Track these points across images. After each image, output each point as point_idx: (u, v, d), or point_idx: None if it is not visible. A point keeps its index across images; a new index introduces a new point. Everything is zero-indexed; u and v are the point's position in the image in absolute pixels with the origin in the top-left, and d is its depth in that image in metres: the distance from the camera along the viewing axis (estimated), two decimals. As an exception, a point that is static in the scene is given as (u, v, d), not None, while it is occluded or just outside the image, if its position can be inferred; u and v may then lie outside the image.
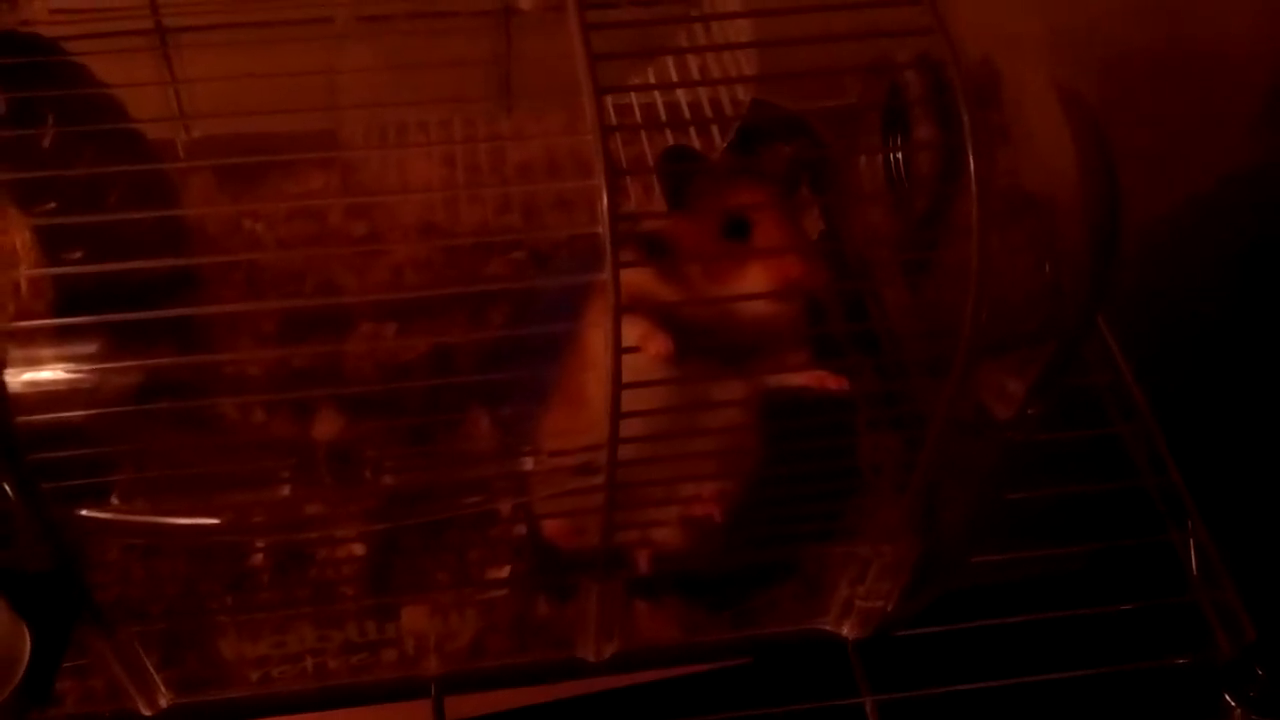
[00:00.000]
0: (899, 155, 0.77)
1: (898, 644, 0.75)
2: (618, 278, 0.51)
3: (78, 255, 0.70)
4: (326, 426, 0.75)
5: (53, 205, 0.72)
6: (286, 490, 0.61)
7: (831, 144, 0.88)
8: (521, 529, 0.70)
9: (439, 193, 0.86)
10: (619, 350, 0.51)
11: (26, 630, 0.51)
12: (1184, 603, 0.81)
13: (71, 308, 0.66)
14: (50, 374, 0.56)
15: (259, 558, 0.67)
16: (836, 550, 0.68)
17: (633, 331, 0.56)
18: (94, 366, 0.61)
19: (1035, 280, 0.59)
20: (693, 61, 0.80)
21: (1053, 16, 0.65)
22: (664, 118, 0.80)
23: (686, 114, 0.82)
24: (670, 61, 0.79)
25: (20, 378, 0.52)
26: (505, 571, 0.68)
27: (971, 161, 0.55)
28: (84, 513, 0.54)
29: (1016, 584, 0.80)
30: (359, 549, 0.68)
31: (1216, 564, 0.81)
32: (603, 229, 0.50)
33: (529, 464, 0.59)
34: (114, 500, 0.58)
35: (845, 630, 0.70)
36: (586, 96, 0.50)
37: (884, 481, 0.74)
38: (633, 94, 0.74)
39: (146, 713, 0.63)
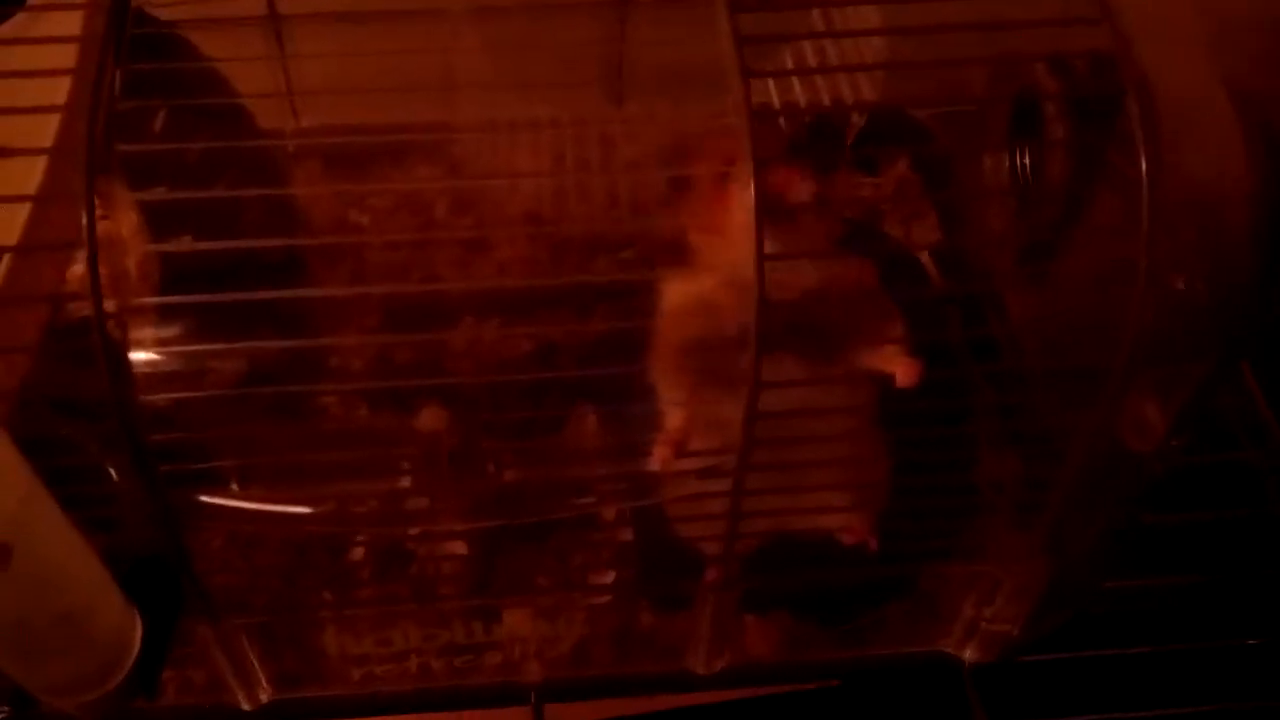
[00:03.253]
0: (1025, 158, 0.74)
1: (1014, 670, 0.72)
2: (763, 271, 0.48)
3: (185, 240, 0.70)
4: (430, 421, 0.74)
5: (163, 189, 0.72)
6: (407, 481, 0.59)
7: (952, 148, 0.85)
8: (627, 534, 0.68)
9: (543, 181, 0.84)
10: (758, 365, 0.49)
11: (138, 617, 0.50)
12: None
13: (178, 288, 0.66)
14: (162, 356, 0.55)
15: (360, 552, 0.65)
16: (962, 570, 0.64)
17: None
18: (201, 348, 0.60)
19: (1195, 297, 0.55)
20: (810, 50, 0.78)
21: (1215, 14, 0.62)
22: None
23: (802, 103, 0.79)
24: (787, 54, 0.78)
25: (138, 357, 0.51)
26: (610, 577, 0.66)
27: (1144, 162, 0.52)
28: (203, 498, 0.53)
29: (1141, 611, 0.76)
30: (460, 547, 0.66)
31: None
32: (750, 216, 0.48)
33: (654, 464, 0.57)
34: (233, 487, 0.57)
35: (967, 653, 0.67)
36: (735, 78, 0.48)
37: (1005, 500, 0.71)
38: (770, 80, 0.72)
39: (246, 707, 0.61)
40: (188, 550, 0.52)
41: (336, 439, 0.67)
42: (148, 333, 0.63)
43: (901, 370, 0.60)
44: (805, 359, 0.59)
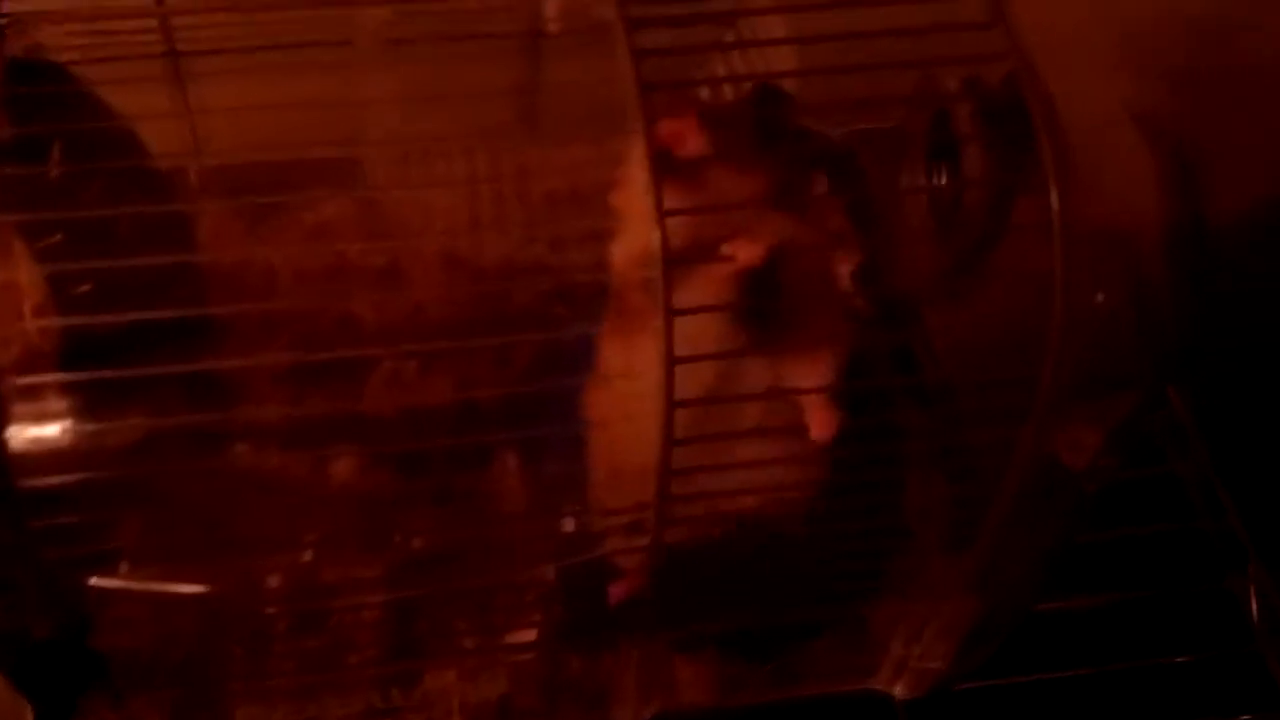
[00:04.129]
0: (943, 178, 0.74)
1: (948, 699, 0.71)
2: (671, 322, 0.47)
3: (86, 288, 0.68)
4: (345, 470, 0.72)
5: (60, 238, 0.69)
6: (309, 555, 0.58)
7: (872, 171, 0.84)
8: (549, 578, 0.66)
9: (459, 216, 0.82)
10: (671, 403, 0.48)
11: (29, 708, 0.48)
12: (1247, 652, 0.77)
13: (79, 344, 0.64)
14: (53, 429, 0.53)
15: (275, 620, 0.63)
16: (891, 608, 0.64)
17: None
18: (94, 427, 0.58)
19: (1116, 325, 0.55)
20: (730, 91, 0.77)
21: (1118, 28, 0.62)
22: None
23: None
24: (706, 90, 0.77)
25: (23, 434, 0.49)
26: (533, 633, 0.64)
27: (1054, 199, 0.51)
28: (93, 581, 0.51)
29: (1073, 632, 0.76)
30: (374, 612, 0.64)
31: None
32: (656, 268, 0.47)
33: (569, 525, 0.55)
34: (123, 566, 0.55)
35: (897, 690, 0.66)
36: (639, 125, 0.46)
37: (932, 531, 0.71)
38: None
39: (156, 783, 0.59)
40: (86, 631, 0.50)
41: (246, 503, 0.64)
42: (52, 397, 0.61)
43: (817, 423, 0.59)
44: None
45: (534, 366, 0.77)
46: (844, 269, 0.87)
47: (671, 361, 0.48)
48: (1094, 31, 0.62)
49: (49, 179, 0.69)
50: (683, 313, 0.48)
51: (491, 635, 0.64)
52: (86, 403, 0.61)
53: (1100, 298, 0.53)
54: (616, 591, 0.58)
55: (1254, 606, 0.78)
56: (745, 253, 0.57)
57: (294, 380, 0.74)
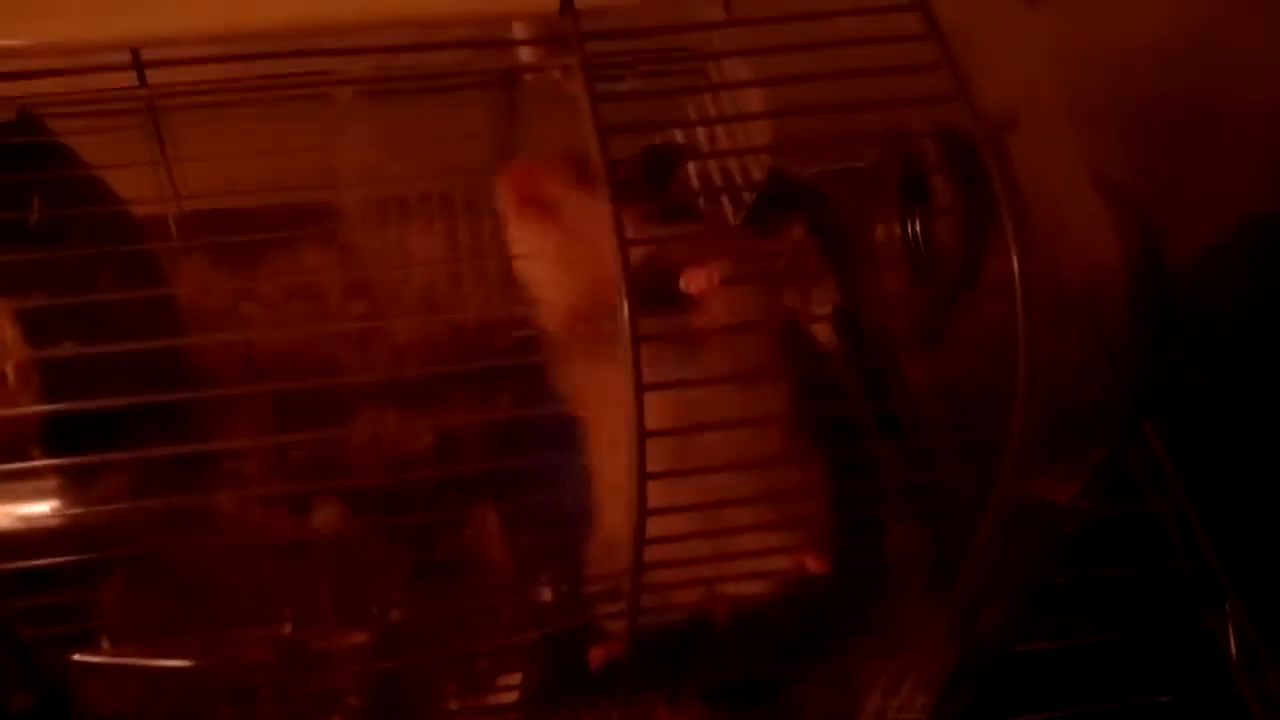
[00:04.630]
0: (917, 225, 0.74)
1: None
2: (641, 396, 0.48)
3: (67, 346, 0.68)
4: (327, 520, 0.72)
5: (40, 294, 0.69)
6: (288, 629, 0.58)
7: (846, 213, 0.85)
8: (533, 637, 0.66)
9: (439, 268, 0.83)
10: (644, 475, 0.48)
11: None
12: (1225, 691, 0.78)
13: (60, 399, 0.64)
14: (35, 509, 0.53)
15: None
16: (871, 658, 0.64)
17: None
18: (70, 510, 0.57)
19: (1084, 381, 0.56)
20: (702, 132, 0.78)
21: (1074, 67, 0.63)
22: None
23: (695, 183, 0.79)
24: (679, 133, 0.77)
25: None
26: (515, 694, 0.64)
27: (1016, 262, 0.52)
28: (75, 658, 0.50)
29: (1049, 671, 0.77)
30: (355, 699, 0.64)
31: (1259, 650, 0.78)
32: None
33: (546, 594, 0.55)
34: (105, 641, 0.55)
35: (877, 741, 0.67)
36: (600, 175, 0.47)
37: (913, 574, 0.71)
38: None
39: None
40: (66, 707, 0.50)
41: (226, 561, 0.64)
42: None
43: (812, 563, 0.59)
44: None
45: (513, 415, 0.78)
46: (822, 310, 0.88)
47: (640, 389, 0.48)
48: (1047, 81, 0.63)
49: (28, 234, 0.69)
50: (650, 338, 0.47)
51: (475, 695, 0.64)
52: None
53: (1066, 354, 0.54)
54: (597, 655, 0.58)
55: (1232, 645, 0.79)
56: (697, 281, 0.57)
57: (276, 429, 0.74)
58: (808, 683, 0.71)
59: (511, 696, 0.64)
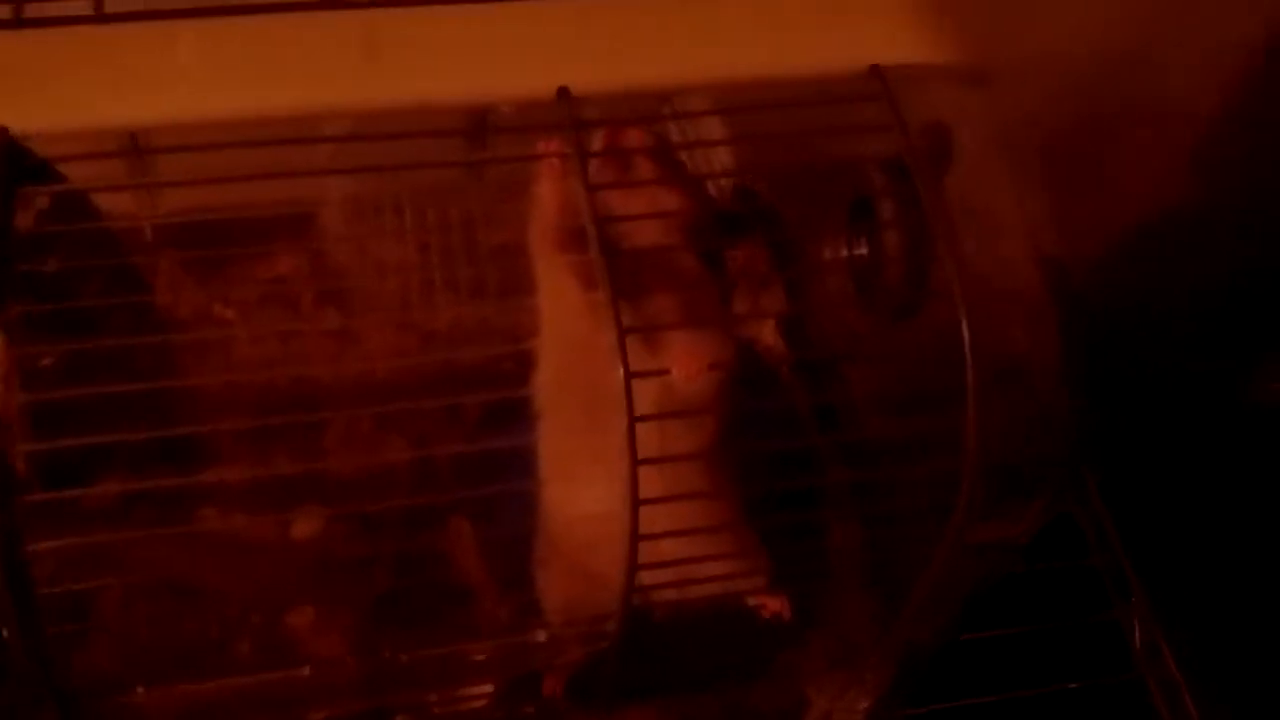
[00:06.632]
0: (863, 245, 0.79)
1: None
2: (633, 431, 0.52)
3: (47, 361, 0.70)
4: (306, 526, 0.76)
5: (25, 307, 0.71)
6: (306, 670, 0.62)
7: (796, 231, 0.89)
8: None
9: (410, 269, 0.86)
10: (636, 505, 0.52)
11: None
12: (1129, 679, 0.85)
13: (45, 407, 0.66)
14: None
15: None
16: (812, 665, 0.70)
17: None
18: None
19: (1018, 440, 0.61)
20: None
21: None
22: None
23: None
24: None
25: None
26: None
27: (965, 333, 0.57)
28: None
29: (975, 661, 0.83)
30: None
31: (1159, 641, 0.85)
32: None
33: (540, 636, 0.60)
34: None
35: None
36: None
37: (850, 574, 0.76)
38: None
39: None
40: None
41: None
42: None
43: (771, 605, 0.64)
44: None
45: (484, 419, 0.82)
46: (768, 320, 0.93)
47: (635, 463, 0.52)
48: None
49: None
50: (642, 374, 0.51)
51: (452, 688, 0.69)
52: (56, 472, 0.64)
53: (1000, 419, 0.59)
54: (550, 684, 0.62)
55: (1136, 635, 0.86)
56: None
57: (255, 435, 0.77)
58: (755, 680, 0.76)
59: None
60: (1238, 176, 1.22)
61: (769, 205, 0.90)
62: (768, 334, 0.92)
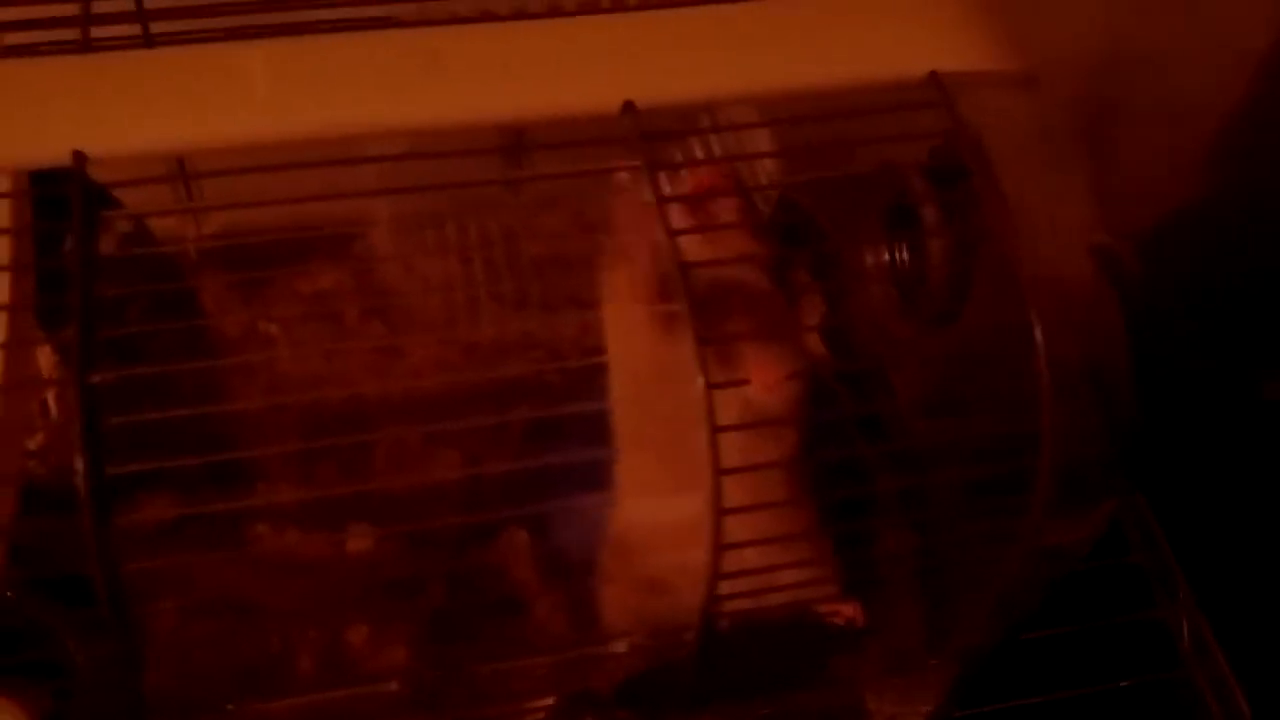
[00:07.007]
0: (904, 253, 0.79)
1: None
2: (715, 440, 0.52)
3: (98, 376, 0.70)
4: (359, 543, 0.76)
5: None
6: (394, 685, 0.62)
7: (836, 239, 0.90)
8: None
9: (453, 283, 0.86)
10: (719, 514, 0.52)
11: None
12: (1177, 678, 0.86)
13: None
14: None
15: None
16: (870, 670, 0.70)
17: None
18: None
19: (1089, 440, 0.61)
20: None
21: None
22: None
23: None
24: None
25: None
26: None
27: (1038, 335, 0.57)
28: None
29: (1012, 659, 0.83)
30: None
31: (1209, 639, 0.86)
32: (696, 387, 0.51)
33: (621, 646, 0.60)
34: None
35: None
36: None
37: (902, 581, 0.77)
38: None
39: None
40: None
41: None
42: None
43: (845, 612, 0.64)
44: None
45: (531, 432, 0.82)
46: (810, 321, 0.93)
47: (718, 472, 0.53)
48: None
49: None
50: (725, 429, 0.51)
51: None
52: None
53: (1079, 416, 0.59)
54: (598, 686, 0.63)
55: (1185, 633, 0.87)
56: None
57: (303, 460, 0.78)
58: (814, 686, 0.77)
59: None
60: (1251, 173, 1.23)
61: (809, 214, 0.90)
62: (812, 344, 0.93)
